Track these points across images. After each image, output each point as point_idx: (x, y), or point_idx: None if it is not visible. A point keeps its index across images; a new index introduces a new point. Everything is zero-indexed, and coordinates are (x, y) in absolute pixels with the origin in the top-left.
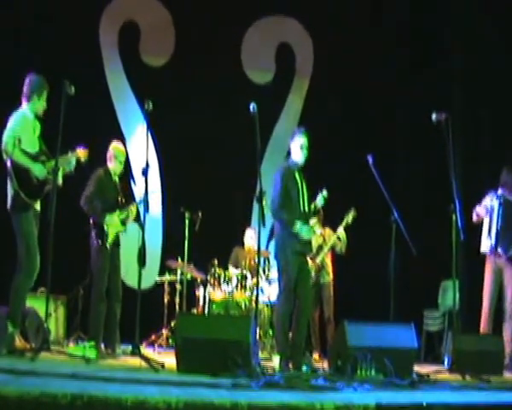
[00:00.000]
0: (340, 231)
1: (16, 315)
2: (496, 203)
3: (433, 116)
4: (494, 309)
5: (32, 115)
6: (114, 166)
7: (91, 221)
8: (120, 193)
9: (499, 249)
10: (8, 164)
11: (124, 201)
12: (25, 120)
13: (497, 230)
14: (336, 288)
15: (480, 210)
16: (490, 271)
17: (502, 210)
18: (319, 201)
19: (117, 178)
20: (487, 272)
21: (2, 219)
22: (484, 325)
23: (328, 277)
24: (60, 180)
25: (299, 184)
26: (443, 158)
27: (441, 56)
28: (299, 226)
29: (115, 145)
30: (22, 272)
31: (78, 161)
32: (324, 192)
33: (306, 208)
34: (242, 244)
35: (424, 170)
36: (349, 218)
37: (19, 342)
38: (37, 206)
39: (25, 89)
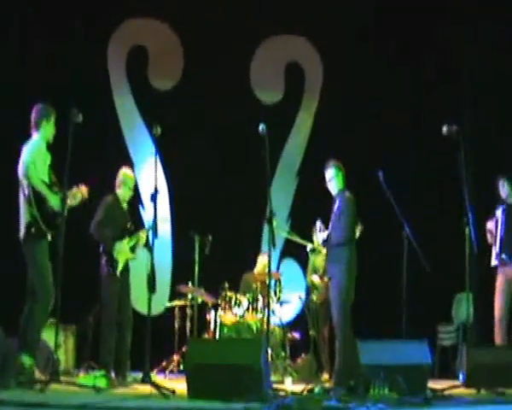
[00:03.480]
0: None
1: (34, 347)
2: (499, 212)
3: (444, 129)
4: (506, 320)
5: (44, 145)
6: (123, 193)
7: (101, 249)
8: (129, 220)
9: (503, 256)
10: (27, 191)
11: (133, 227)
12: (39, 148)
13: (500, 237)
14: None
15: (490, 226)
16: (500, 282)
17: (504, 217)
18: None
19: (125, 205)
20: (498, 284)
21: (9, 250)
22: (497, 337)
23: None
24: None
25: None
26: (455, 171)
27: (453, 70)
28: None
29: (124, 171)
30: (38, 302)
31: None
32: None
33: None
34: (252, 268)
35: (436, 183)
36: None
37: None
38: (49, 236)
39: (33, 119)
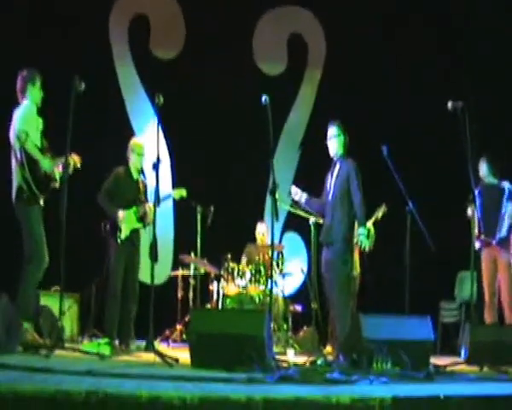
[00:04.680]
0: (369, 226)
1: (28, 309)
2: (476, 193)
3: (449, 104)
4: (496, 299)
5: (34, 109)
6: (134, 161)
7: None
8: (142, 191)
9: (482, 237)
10: (19, 154)
11: (144, 198)
12: (31, 113)
13: (478, 217)
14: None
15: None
16: (485, 263)
17: (481, 198)
18: None
19: (138, 175)
20: (483, 265)
21: (7, 214)
22: (487, 316)
23: (355, 271)
24: (57, 182)
25: (329, 176)
26: (459, 148)
27: (455, 45)
28: None
29: (133, 140)
30: (31, 265)
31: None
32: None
33: (330, 199)
34: (254, 239)
35: (440, 160)
36: (379, 213)
37: (33, 336)
38: (41, 201)
39: (18, 85)
